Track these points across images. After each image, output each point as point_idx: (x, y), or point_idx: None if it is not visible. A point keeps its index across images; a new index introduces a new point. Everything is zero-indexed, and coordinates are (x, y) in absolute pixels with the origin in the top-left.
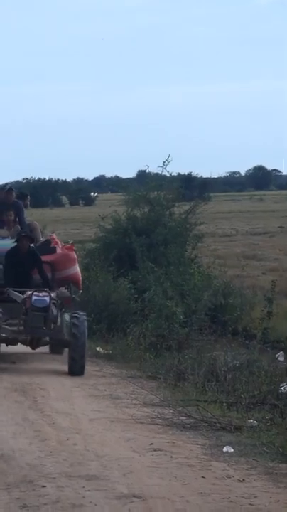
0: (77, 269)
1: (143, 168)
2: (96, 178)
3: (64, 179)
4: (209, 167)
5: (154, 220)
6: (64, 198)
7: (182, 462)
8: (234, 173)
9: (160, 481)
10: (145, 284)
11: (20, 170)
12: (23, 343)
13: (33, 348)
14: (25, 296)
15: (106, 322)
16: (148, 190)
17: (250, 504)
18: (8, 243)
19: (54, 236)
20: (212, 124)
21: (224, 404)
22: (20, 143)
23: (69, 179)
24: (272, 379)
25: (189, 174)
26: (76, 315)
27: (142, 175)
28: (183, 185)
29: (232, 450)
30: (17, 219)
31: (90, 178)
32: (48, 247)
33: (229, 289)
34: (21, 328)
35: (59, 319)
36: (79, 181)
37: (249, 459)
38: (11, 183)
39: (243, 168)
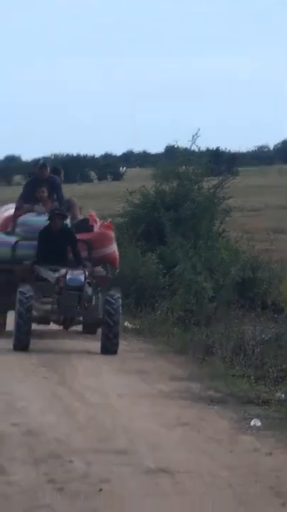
0: (114, 248)
1: (172, 143)
2: (124, 154)
3: (92, 155)
4: (238, 142)
5: (183, 195)
6: (92, 174)
7: (209, 436)
8: (263, 147)
9: (188, 455)
10: (174, 258)
11: (49, 145)
12: (56, 322)
13: (65, 328)
14: (58, 274)
15: (134, 297)
16: (176, 165)
17: (277, 477)
18: (44, 219)
19: (93, 214)
20: (240, 97)
21: (252, 378)
22: (48, 118)
23: (97, 154)
24: None
25: (217, 149)
26: (109, 299)
27: (170, 150)
28: (212, 160)
29: (260, 424)
30: (55, 195)
31: (118, 153)
32: (86, 225)
33: (257, 263)
34: (54, 307)
35: (94, 299)
36: (107, 156)
37: (277, 432)
38: (39, 158)
39: (271, 142)
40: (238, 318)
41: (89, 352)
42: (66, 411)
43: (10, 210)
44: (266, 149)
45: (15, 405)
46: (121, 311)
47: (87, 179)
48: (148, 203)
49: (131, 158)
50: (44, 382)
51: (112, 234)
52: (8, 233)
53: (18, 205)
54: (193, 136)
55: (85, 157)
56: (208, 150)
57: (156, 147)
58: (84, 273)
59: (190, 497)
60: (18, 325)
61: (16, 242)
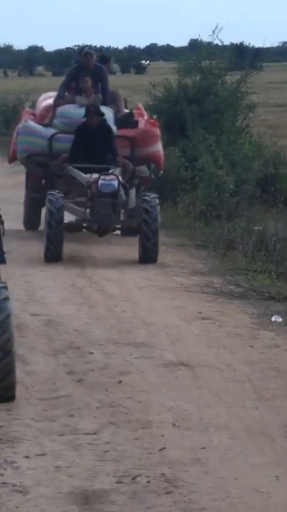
0: (159, 147)
1: (195, 37)
2: (147, 47)
3: (115, 47)
4: (262, 37)
5: (205, 89)
6: (115, 66)
7: (230, 331)
8: None
9: (208, 349)
10: (196, 152)
11: (72, 37)
12: (89, 230)
13: (100, 236)
14: (90, 180)
15: (156, 191)
16: (200, 59)
17: None
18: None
19: (140, 106)
20: None
21: (273, 273)
22: (72, 9)
23: (120, 47)
24: None
25: (241, 44)
26: (147, 198)
27: (194, 44)
28: (235, 55)
29: (281, 319)
30: (99, 86)
31: (142, 46)
32: (130, 120)
33: (280, 159)
34: (87, 215)
35: (133, 202)
36: (130, 49)
37: None
38: (62, 50)
39: None
40: (260, 214)
41: (110, 244)
42: (86, 302)
43: (49, 99)
44: None
45: (35, 295)
46: (159, 219)
47: (109, 71)
48: (170, 96)
49: (154, 52)
50: (64, 273)
51: (158, 131)
52: (45, 125)
53: (59, 94)
54: (214, 31)
55: (108, 49)
56: (232, 44)
57: (180, 41)
58: (118, 178)
59: (209, 390)
60: (49, 229)
61: (53, 135)
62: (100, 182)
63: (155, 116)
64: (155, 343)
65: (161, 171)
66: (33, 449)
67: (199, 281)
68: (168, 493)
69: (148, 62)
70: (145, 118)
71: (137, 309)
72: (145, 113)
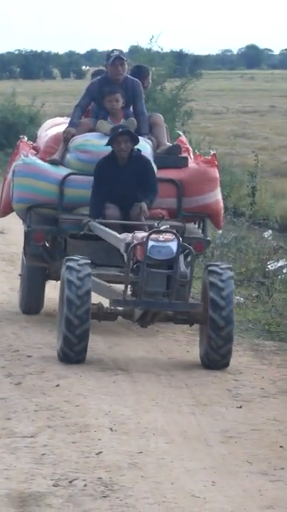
0: (217, 195)
1: (135, 44)
2: (88, 52)
3: (56, 52)
4: (202, 44)
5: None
6: (55, 71)
7: (168, 337)
8: (226, 51)
9: (146, 354)
10: None
11: (12, 41)
12: (128, 317)
13: (143, 326)
14: (134, 240)
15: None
16: None
17: (235, 380)
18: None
19: (183, 139)
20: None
21: None
22: (13, 12)
23: (61, 52)
24: (259, 257)
25: (181, 51)
26: (215, 268)
27: (134, 50)
28: (175, 61)
29: None
30: (130, 108)
31: (82, 51)
32: (177, 156)
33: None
34: (127, 295)
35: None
36: (70, 54)
37: (235, 335)
38: (3, 54)
39: (235, 46)
40: None
41: None
42: None
43: (59, 126)
44: (229, 53)
45: None
46: (233, 298)
47: (49, 76)
48: None
49: (94, 57)
50: (3, 277)
51: (216, 173)
52: (53, 162)
53: (72, 120)
54: (151, 39)
55: (49, 54)
56: (172, 52)
57: (121, 47)
58: (177, 238)
59: (146, 395)
60: (69, 310)
61: (66, 177)
62: (150, 244)
63: (212, 151)
64: (92, 347)
65: (220, 230)
66: None
67: None
68: (104, 496)
69: (88, 67)
70: (193, 156)
71: None
72: (190, 148)
